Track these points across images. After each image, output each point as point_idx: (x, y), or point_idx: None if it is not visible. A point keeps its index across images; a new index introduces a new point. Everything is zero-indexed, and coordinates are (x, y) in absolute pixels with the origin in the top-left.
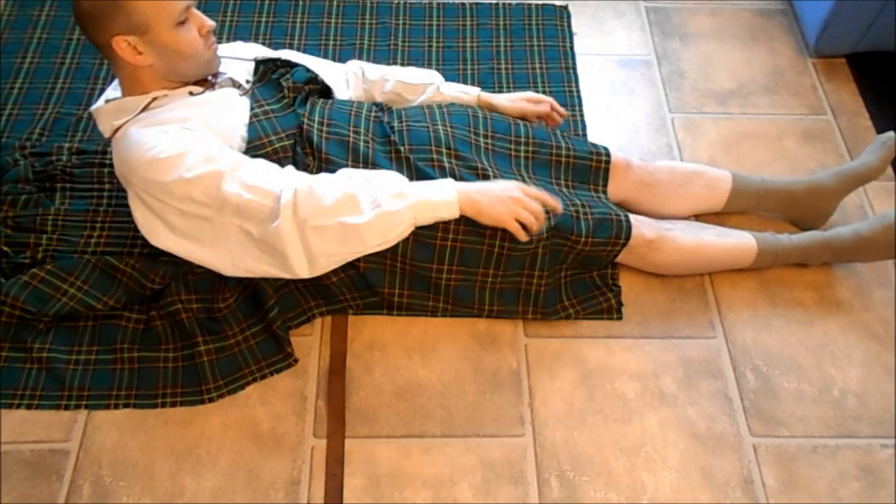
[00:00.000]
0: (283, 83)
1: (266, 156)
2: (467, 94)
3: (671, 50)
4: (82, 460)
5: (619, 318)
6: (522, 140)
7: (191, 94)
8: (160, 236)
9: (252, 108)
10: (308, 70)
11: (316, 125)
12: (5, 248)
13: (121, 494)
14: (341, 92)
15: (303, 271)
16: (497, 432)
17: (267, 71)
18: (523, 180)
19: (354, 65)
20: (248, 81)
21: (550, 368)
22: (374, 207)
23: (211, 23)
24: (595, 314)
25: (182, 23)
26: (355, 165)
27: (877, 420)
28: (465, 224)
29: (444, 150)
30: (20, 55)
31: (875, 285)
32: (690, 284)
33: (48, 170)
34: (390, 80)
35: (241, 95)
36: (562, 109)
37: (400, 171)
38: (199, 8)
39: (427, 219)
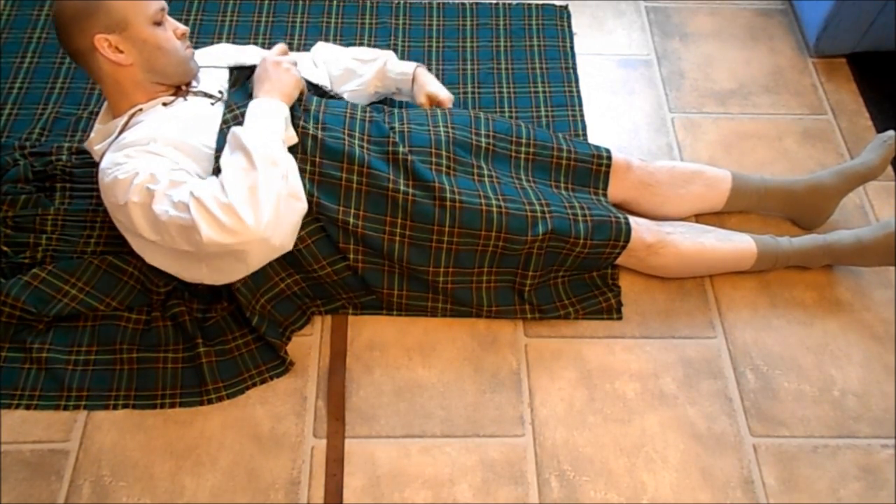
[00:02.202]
0: None
1: None
2: (405, 73)
3: (671, 50)
4: (82, 460)
5: (619, 318)
6: (524, 141)
7: (163, 104)
8: (143, 252)
9: (224, 115)
10: None
11: (311, 130)
12: (5, 248)
13: (120, 494)
14: (311, 75)
15: (234, 239)
16: (497, 432)
17: (240, 77)
18: (521, 182)
19: (319, 49)
20: (220, 92)
21: (550, 368)
22: (248, 154)
23: (184, 28)
24: (595, 314)
25: (158, 23)
26: (350, 168)
27: (877, 420)
28: (461, 227)
29: (443, 153)
30: (20, 55)
31: (875, 285)
32: (690, 284)
33: (48, 170)
34: (343, 58)
35: (213, 104)
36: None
37: (396, 172)
38: (199, 8)
39: (277, 123)
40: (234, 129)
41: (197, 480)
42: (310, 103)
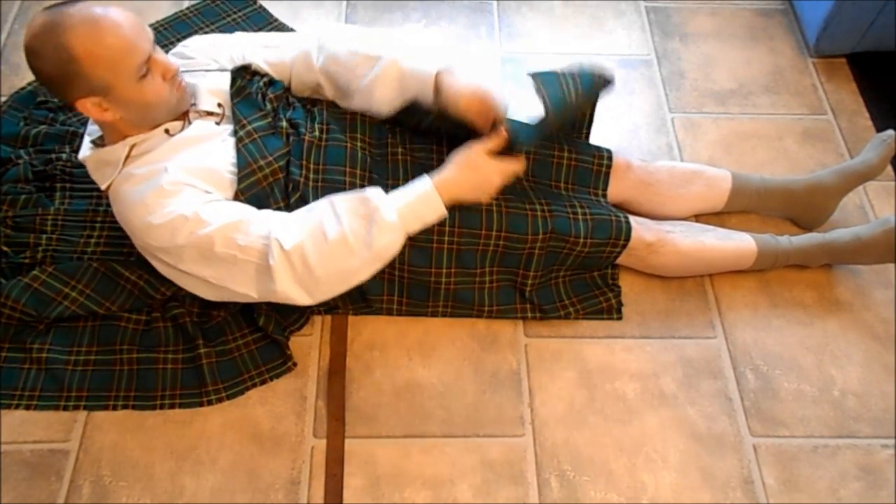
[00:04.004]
0: (270, 93)
1: (256, 182)
2: (427, 70)
3: (671, 50)
4: (82, 460)
5: (619, 318)
6: None
7: (167, 131)
8: (178, 280)
9: (236, 132)
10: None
11: (316, 136)
12: (5, 248)
13: (121, 494)
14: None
15: (309, 302)
16: (497, 432)
17: (244, 85)
18: (522, 182)
19: (313, 40)
20: (220, 105)
21: (550, 368)
22: (367, 247)
23: (174, 66)
24: (595, 314)
25: (144, 75)
26: (353, 172)
27: (877, 420)
28: (461, 226)
29: (444, 149)
30: None
31: (875, 285)
32: (690, 284)
33: (48, 169)
34: (342, 52)
35: (219, 124)
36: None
37: (395, 173)
38: (200, 17)
39: (416, 229)
40: (376, 201)
41: (197, 480)
42: (311, 106)
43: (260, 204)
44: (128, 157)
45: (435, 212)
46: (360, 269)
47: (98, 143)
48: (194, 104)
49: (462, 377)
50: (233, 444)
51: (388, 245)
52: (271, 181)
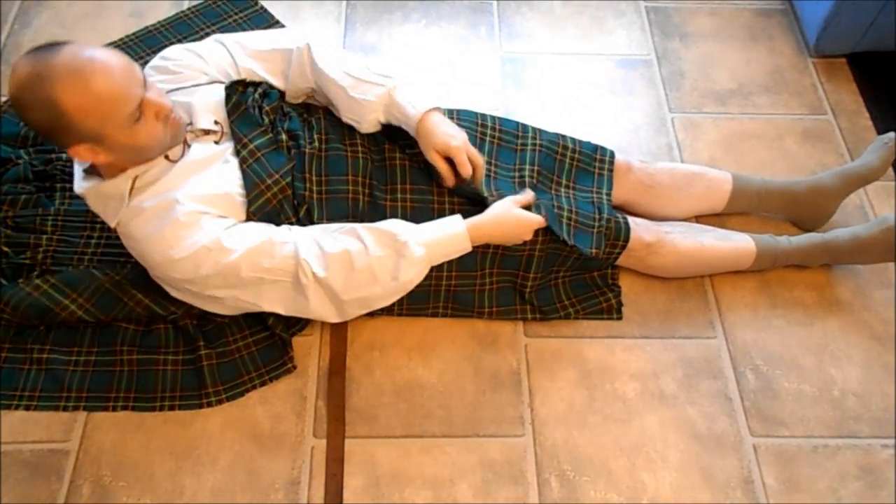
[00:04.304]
0: (266, 105)
1: (266, 202)
2: (415, 108)
3: (671, 50)
4: (82, 460)
5: (619, 318)
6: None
7: (167, 157)
8: (194, 302)
9: (238, 152)
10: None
11: (316, 145)
12: (5, 249)
13: (120, 494)
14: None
15: (338, 319)
16: (497, 432)
17: (239, 100)
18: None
19: (303, 47)
20: (217, 123)
21: (550, 368)
22: (393, 280)
23: (168, 104)
24: (595, 314)
25: (137, 119)
26: (355, 180)
27: (877, 420)
28: None
29: None
30: None
31: (875, 285)
32: (690, 285)
33: (48, 169)
34: (337, 73)
35: (218, 142)
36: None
37: (394, 177)
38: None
39: (439, 262)
40: (405, 237)
41: (197, 480)
42: (308, 116)
43: (272, 222)
44: (132, 189)
45: (461, 250)
46: (383, 298)
47: (91, 171)
48: (190, 124)
49: (462, 377)
50: (233, 444)
51: (414, 278)
52: (280, 199)
